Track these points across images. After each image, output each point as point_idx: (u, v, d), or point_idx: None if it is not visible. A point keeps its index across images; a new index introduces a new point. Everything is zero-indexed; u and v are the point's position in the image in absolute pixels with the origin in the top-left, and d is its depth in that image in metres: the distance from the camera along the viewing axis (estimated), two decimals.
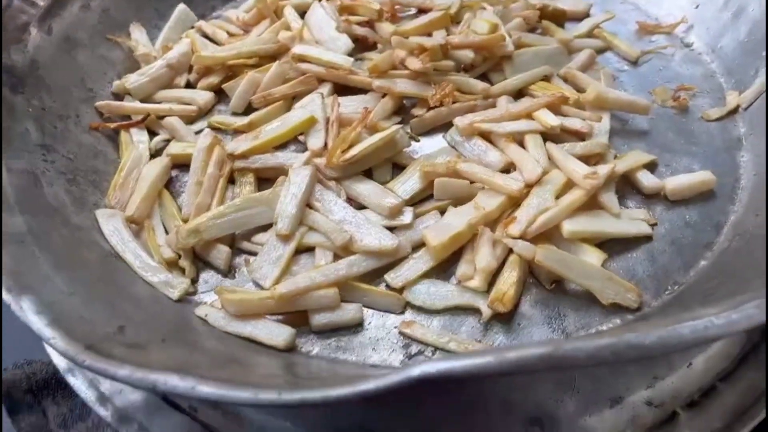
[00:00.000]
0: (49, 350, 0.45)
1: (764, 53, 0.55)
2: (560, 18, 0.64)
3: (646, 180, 0.49)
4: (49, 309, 0.34)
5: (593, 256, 0.44)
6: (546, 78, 0.57)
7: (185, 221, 0.48)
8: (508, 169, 0.49)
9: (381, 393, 0.28)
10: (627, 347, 0.28)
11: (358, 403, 0.39)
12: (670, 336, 0.29)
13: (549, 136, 0.51)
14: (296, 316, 0.43)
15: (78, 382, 0.44)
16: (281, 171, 0.50)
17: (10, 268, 0.36)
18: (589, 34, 0.63)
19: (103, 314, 0.37)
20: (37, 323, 0.33)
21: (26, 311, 0.34)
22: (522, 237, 0.44)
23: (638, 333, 0.29)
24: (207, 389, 0.30)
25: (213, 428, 0.41)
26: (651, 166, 0.51)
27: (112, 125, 0.55)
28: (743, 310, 0.30)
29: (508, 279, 0.43)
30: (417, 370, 0.28)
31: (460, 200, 0.48)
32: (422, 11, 0.64)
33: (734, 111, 0.54)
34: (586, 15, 0.66)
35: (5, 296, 0.35)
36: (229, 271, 0.47)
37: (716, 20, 0.60)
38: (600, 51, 0.62)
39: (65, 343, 0.33)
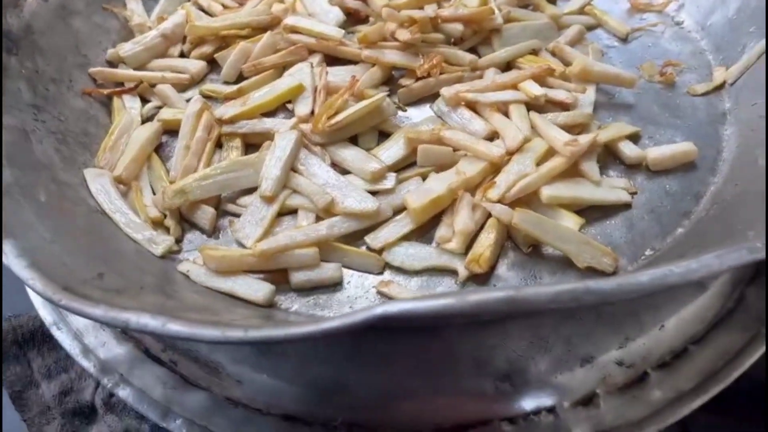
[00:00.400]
0: (36, 304, 0.46)
1: (751, 29, 0.55)
2: None
3: (629, 150, 0.49)
4: (29, 253, 0.35)
5: (571, 221, 0.44)
6: (534, 52, 0.57)
7: (172, 183, 0.49)
8: (492, 137, 0.50)
9: (344, 331, 0.29)
10: (586, 292, 0.29)
11: (332, 354, 0.40)
12: (629, 282, 0.30)
13: (534, 106, 0.51)
14: (277, 274, 0.44)
15: (63, 336, 0.45)
16: (268, 136, 0.51)
17: None
18: (581, 11, 0.63)
19: (84, 262, 0.38)
20: (17, 265, 0.34)
21: (7, 254, 0.35)
22: (501, 201, 0.45)
23: (598, 280, 0.30)
24: (176, 327, 0.30)
25: (191, 380, 0.42)
26: (634, 138, 0.51)
27: (105, 91, 0.56)
28: (703, 260, 0.30)
29: (485, 241, 0.44)
30: (379, 310, 0.29)
31: (442, 167, 0.48)
32: None
33: (721, 86, 0.55)
34: None
35: None
36: (213, 232, 0.48)
37: None
38: (590, 28, 0.62)
39: (43, 284, 0.33)
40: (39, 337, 0.47)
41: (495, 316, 0.32)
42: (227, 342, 0.30)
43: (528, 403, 0.40)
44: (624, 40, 0.61)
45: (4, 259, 0.35)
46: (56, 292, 0.33)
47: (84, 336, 0.45)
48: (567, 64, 0.56)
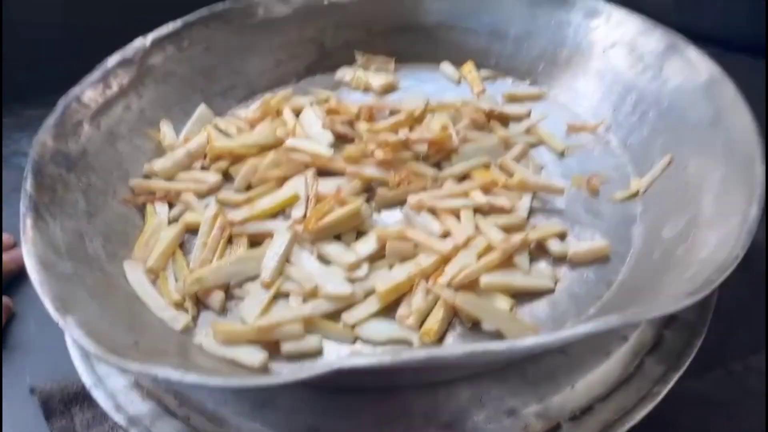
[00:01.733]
0: (79, 371, 0.58)
1: (658, 147, 0.68)
2: (504, 119, 0.79)
3: (555, 246, 0.62)
4: (86, 325, 0.48)
5: (503, 303, 0.56)
6: (485, 166, 0.71)
7: (192, 273, 0.62)
8: (446, 235, 0.62)
9: (311, 380, 0.40)
10: (483, 352, 0.40)
11: (311, 406, 0.51)
12: (516, 344, 0.41)
13: (480, 210, 0.64)
14: (271, 344, 0.56)
15: (100, 395, 0.56)
16: (269, 234, 0.64)
17: (59, 296, 0.50)
18: (527, 132, 0.77)
19: (124, 333, 0.50)
20: (77, 334, 0.47)
21: (70, 326, 0.47)
22: (449, 286, 0.56)
23: (495, 342, 0.41)
24: (192, 377, 0.42)
25: (201, 430, 0.53)
26: (563, 236, 0.64)
27: (140, 199, 0.70)
28: (578, 328, 0.42)
29: (435, 318, 0.55)
30: (336, 365, 0.40)
31: (405, 258, 0.61)
32: (393, 113, 0.79)
33: (635, 194, 0.67)
34: (528, 116, 0.81)
35: (54, 315, 0.48)
36: (222, 311, 0.60)
37: (627, 121, 0.74)
38: (534, 145, 0.76)
39: (95, 348, 0.45)
40: (81, 397, 0.59)
41: (420, 368, 0.43)
42: (229, 386, 0.41)
43: None
44: (561, 155, 0.75)
45: (67, 330, 0.47)
46: (105, 353, 0.45)
47: (117, 396, 0.56)
48: (511, 175, 0.69)
